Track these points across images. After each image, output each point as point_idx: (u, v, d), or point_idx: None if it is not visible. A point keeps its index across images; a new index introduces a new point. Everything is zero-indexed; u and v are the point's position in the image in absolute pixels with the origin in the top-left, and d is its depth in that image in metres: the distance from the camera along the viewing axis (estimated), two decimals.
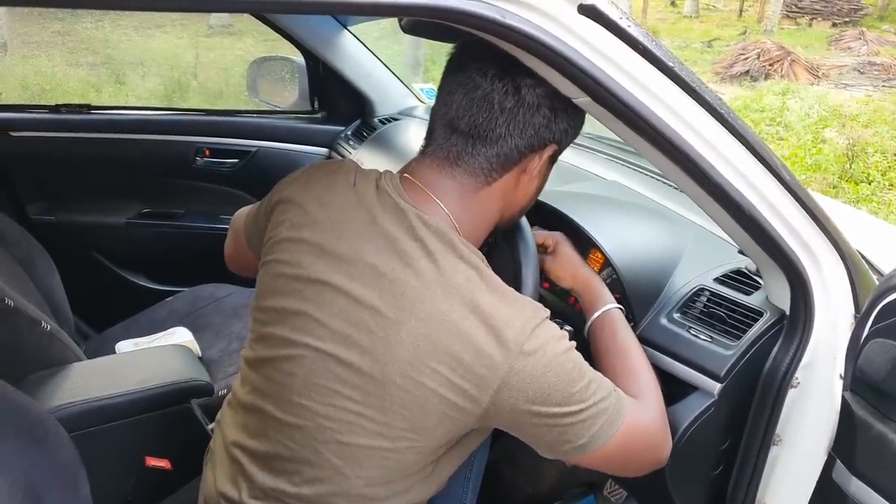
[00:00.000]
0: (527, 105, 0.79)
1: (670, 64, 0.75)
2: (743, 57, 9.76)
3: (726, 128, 0.80)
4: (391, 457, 0.78)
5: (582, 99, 0.77)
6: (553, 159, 0.89)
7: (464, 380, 0.73)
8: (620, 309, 0.99)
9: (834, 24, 13.97)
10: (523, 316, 0.75)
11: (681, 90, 0.76)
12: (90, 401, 1.13)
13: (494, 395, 0.74)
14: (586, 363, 0.80)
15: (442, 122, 0.82)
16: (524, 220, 0.99)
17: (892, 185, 5.19)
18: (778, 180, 0.85)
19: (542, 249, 1.07)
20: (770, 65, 9.44)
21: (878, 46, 11.50)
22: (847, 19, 14.16)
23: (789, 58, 9.53)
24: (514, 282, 0.95)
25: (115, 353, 1.52)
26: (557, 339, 0.77)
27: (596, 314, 0.98)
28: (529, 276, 0.96)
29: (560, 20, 0.69)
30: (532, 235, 0.99)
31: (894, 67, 9.83)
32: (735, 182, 0.82)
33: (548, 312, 0.79)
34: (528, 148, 0.82)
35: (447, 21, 0.67)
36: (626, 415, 0.81)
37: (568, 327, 1.08)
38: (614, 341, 0.95)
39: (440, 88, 0.83)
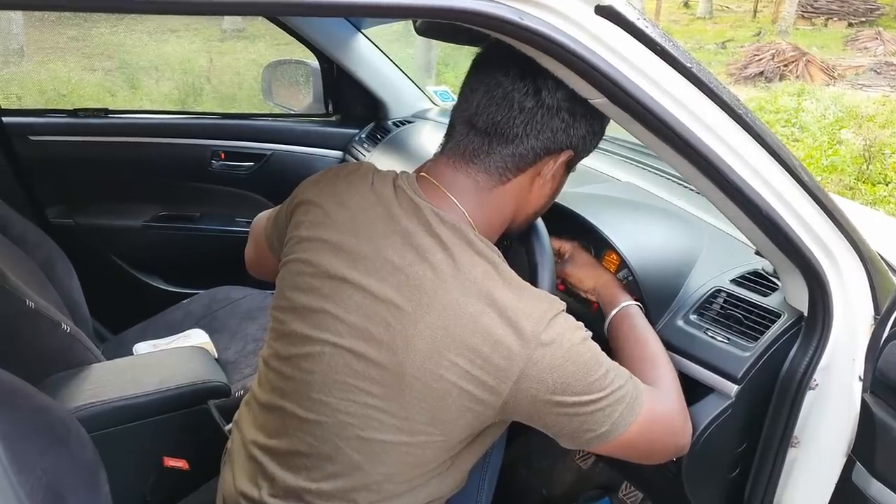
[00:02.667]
0: (546, 107, 0.79)
1: (688, 64, 0.75)
2: (757, 58, 9.69)
3: (744, 128, 0.79)
4: (411, 452, 0.79)
5: (599, 100, 0.77)
6: (570, 166, 0.89)
7: (483, 371, 0.74)
8: (639, 305, 1.01)
9: (850, 25, 13.81)
10: (540, 307, 0.76)
11: (698, 91, 0.76)
12: (110, 401, 1.14)
13: (514, 386, 0.74)
14: (603, 353, 0.81)
15: (461, 119, 0.83)
16: (540, 222, 0.99)
17: None
18: (797, 181, 0.84)
19: (559, 256, 1.09)
20: (785, 66, 9.36)
21: (894, 46, 11.36)
22: (863, 19, 14.00)
23: (804, 58, 9.44)
24: (531, 282, 0.95)
25: (132, 354, 1.53)
26: (574, 330, 0.78)
27: (615, 310, 1.00)
28: (546, 275, 0.96)
29: (577, 21, 0.69)
30: (547, 236, 0.99)
31: None
32: (753, 183, 0.82)
33: (564, 305, 0.79)
34: (544, 150, 0.82)
35: (465, 23, 0.67)
36: (645, 401, 0.82)
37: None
38: (632, 331, 0.97)
39: (463, 86, 0.84)
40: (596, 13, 0.69)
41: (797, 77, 9.13)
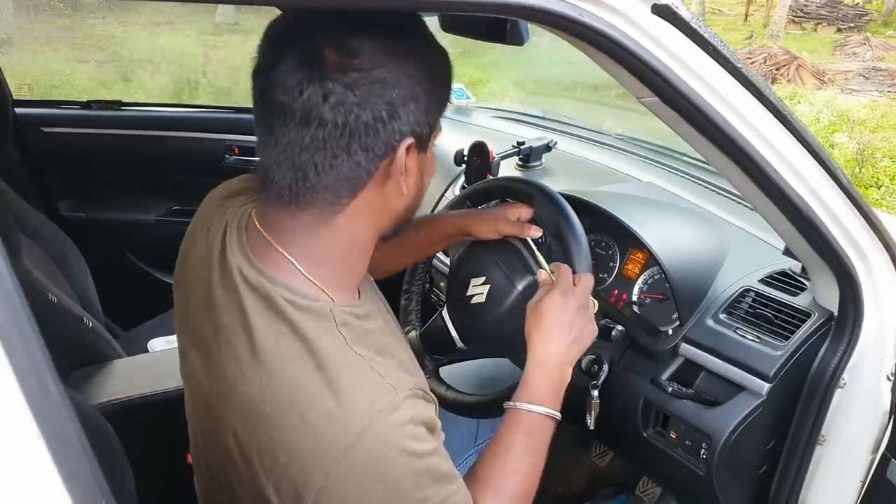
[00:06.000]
0: (347, 113, 0.61)
1: (738, 65, 0.75)
2: (749, 61, 9.77)
3: (788, 129, 0.80)
4: None
5: (649, 99, 0.77)
6: (423, 145, 0.70)
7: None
8: (555, 419, 0.86)
9: (839, 30, 13.98)
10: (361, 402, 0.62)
11: (747, 91, 0.76)
12: (134, 397, 1.13)
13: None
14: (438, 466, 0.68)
15: (268, 160, 0.65)
16: (572, 213, 0.98)
17: None
18: (836, 182, 0.85)
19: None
20: (776, 69, 9.45)
21: (882, 52, 11.51)
22: (852, 24, 14.18)
23: (795, 62, 9.54)
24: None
25: (147, 350, 1.52)
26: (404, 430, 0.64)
27: (528, 406, 0.84)
28: (583, 263, 0.94)
29: (634, 20, 0.69)
30: (584, 234, 0.98)
31: None
32: (795, 185, 0.83)
33: (404, 394, 0.65)
34: (375, 159, 0.65)
35: (526, 19, 0.68)
36: None
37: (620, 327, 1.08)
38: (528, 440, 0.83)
39: (254, 118, 0.67)
40: (652, 12, 0.70)
41: (788, 81, 9.22)
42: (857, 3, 16.26)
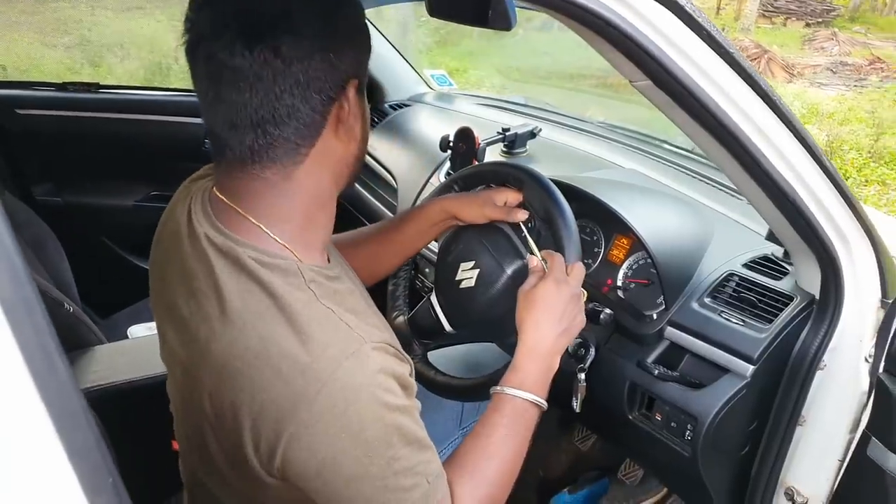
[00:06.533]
0: (299, 62, 0.64)
1: (731, 51, 0.76)
2: None
3: (778, 116, 0.82)
4: None
5: (642, 83, 0.78)
6: (363, 87, 0.73)
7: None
8: (540, 407, 0.87)
9: (807, 25, 14.24)
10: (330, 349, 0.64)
11: (739, 78, 0.78)
12: (117, 383, 1.11)
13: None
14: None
15: (222, 127, 0.66)
16: (563, 199, 0.99)
17: (867, 181, 5.33)
18: (821, 168, 0.87)
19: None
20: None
21: (849, 47, 11.76)
22: (820, 20, 14.44)
23: (766, 56, 9.71)
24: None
25: (127, 337, 1.49)
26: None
27: (515, 391, 0.85)
28: (573, 250, 0.95)
29: (631, 3, 0.69)
30: (571, 212, 0.98)
31: (865, 68, 10.09)
32: (783, 171, 0.84)
33: (369, 343, 0.66)
34: (327, 102, 0.68)
35: (530, 2, 0.67)
36: None
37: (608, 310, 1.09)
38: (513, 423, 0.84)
39: (197, 91, 0.68)
40: None
41: (760, 73, 9.39)
42: None
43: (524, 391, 0.84)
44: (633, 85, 0.80)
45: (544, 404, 0.86)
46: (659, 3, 0.70)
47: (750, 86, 0.78)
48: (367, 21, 0.73)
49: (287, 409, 0.62)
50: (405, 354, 0.73)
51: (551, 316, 0.87)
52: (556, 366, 0.89)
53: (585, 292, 0.94)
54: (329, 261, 0.77)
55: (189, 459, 0.83)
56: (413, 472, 0.66)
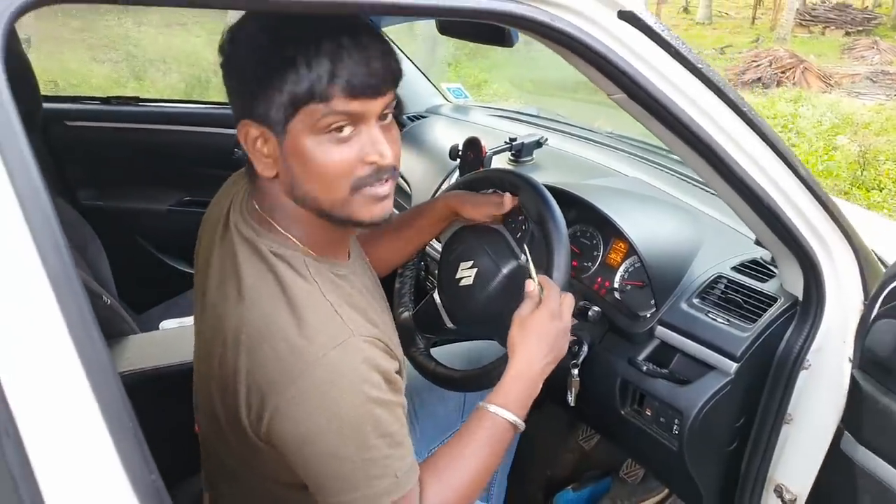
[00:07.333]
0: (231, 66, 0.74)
1: (699, 66, 0.82)
2: (755, 64, 9.80)
3: (748, 125, 0.87)
4: None
5: (618, 95, 0.84)
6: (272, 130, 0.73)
7: None
8: (517, 428, 0.91)
9: (847, 33, 13.96)
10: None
11: (708, 89, 0.84)
12: (146, 369, 1.22)
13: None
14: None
15: None
16: (557, 209, 1.06)
17: None
18: (795, 174, 0.92)
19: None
20: (782, 72, 9.47)
21: (891, 56, 11.49)
22: (860, 28, 14.15)
23: (802, 65, 9.55)
24: (546, 267, 1.03)
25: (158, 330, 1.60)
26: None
27: (498, 410, 0.89)
28: (562, 262, 1.02)
29: (601, 24, 0.76)
30: (564, 223, 1.05)
31: None
32: (755, 175, 0.89)
33: (356, 336, 0.74)
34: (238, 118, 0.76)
35: (503, 23, 0.75)
36: None
37: (596, 308, 1.16)
38: (488, 436, 0.88)
39: None
40: (618, 17, 0.77)
41: (794, 84, 9.24)
42: (867, 7, 16.23)
43: (507, 411, 0.89)
44: (611, 98, 0.86)
45: (522, 425, 0.91)
46: (626, 22, 0.77)
47: (718, 96, 0.84)
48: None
49: (276, 382, 0.70)
50: (396, 352, 0.80)
51: (541, 345, 0.93)
52: (538, 391, 0.94)
53: (575, 320, 1.00)
54: (349, 258, 0.86)
55: (205, 431, 0.92)
56: (381, 464, 0.72)
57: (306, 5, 0.62)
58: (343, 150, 0.73)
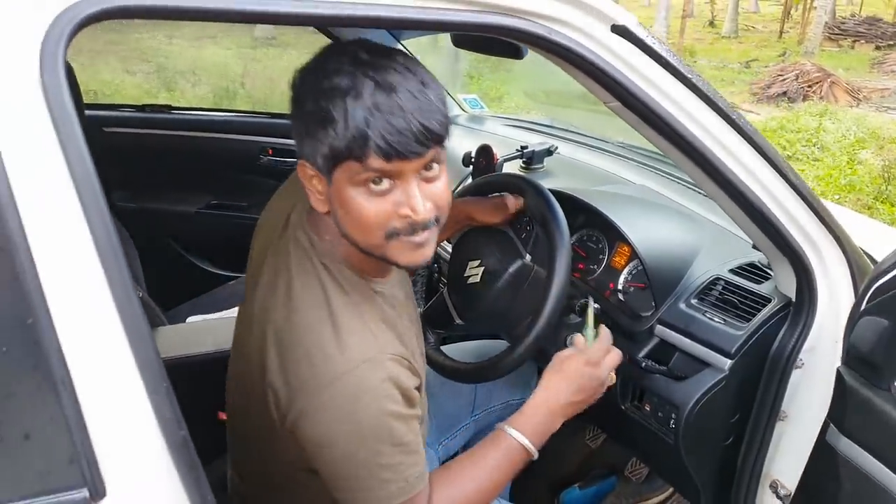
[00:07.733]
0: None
1: (689, 76, 0.88)
2: (781, 78, 9.72)
3: (739, 133, 0.93)
4: None
5: (613, 104, 0.90)
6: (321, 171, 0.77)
7: None
8: (530, 454, 0.96)
9: (877, 47, 13.77)
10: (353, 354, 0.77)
11: (698, 99, 0.89)
12: (173, 358, 1.30)
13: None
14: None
15: None
16: (560, 212, 1.12)
17: None
18: (785, 180, 0.97)
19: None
20: (809, 86, 9.38)
21: None
22: (891, 42, 13.95)
23: (829, 80, 9.46)
24: (549, 266, 1.08)
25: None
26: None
27: (515, 433, 0.94)
28: (562, 264, 1.08)
29: (596, 37, 0.83)
30: (566, 223, 1.11)
31: None
32: (745, 179, 0.95)
33: (386, 356, 0.80)
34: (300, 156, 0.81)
35: (505, 37, 0.82)
36: None
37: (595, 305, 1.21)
38: (503, 454, 0.94)
39: None
40: (612, 31, 0.83)
41: (821, 98, 9.15)
42: None
43: (523, 436, 0.94)
44: (607, 106, 0.93)
45: (535, 454, 0.95)
46: (619, 36, 0.83)
47: (708, 105, 0.90)
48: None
49: (306, 385, 0.77)
50: (419, 368, 0.87)
51: (570, 386, 0.99)
52: (557, 427, 0.99)
53: (615, 378, 1.05)
54: (389, 279, 0.90)
55: (233, 412, 0.99)
56: (393, 469, 0.79)
57: (274, 16, 0.65)
58: (378, 203, 0.75)
